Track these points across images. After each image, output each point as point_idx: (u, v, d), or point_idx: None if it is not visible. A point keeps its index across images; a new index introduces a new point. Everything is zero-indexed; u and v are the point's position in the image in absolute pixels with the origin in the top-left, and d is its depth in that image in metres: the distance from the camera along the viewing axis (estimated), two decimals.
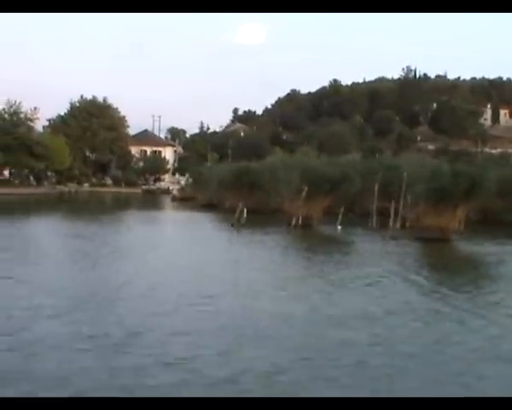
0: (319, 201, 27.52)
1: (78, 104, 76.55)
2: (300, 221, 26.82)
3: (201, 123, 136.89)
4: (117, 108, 77.19)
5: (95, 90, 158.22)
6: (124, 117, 78.43)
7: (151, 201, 57.49)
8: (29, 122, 59.11)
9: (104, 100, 76.60)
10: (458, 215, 23.75)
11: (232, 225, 26.56)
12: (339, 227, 26.50)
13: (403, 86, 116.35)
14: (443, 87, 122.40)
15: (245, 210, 27.37)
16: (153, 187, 68.87)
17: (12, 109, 57.62)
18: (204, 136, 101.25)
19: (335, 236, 25.32)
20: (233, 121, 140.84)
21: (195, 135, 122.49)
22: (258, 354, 7.97)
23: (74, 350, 7.83)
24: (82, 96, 77.30)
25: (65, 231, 25.42)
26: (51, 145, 57.64)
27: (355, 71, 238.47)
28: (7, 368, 7.07)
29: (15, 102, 57.78)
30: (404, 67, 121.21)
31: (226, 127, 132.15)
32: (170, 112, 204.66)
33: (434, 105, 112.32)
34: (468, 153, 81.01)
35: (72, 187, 62.89)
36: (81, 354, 7.68)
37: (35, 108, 59.30)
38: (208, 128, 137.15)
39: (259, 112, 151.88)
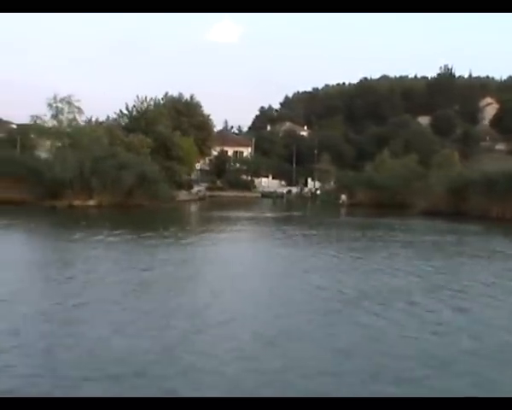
0: None
1: (162, 101, 71.34)
2: None
3: (226, 122, 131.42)
4: (201, 107, 72.50)
5: (91, 89, 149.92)
6: (209, 115, 73.89)
7: (300, 206, 53.81)
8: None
9: (191, 97, 71.65)
10: None
11: None
12: None
13: (439, 85, 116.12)
14: (474, 86, 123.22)
15: None
16: (266, 191, 64.83)
17: (144, 105, 52.16)
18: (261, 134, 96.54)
19: None
20: (257, 119, 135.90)
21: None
22: None
23: None
24: (166, 94, 72.11)
25: None
26: (185, 146, 52.90)
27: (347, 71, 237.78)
28: None
29: (145, 97, 52.45)
30: (442, 65, 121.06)
31: (254, 126, 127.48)
32: None
33: (482, 103, 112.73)
34: None
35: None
36: None
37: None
38: (232, 127, 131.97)
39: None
